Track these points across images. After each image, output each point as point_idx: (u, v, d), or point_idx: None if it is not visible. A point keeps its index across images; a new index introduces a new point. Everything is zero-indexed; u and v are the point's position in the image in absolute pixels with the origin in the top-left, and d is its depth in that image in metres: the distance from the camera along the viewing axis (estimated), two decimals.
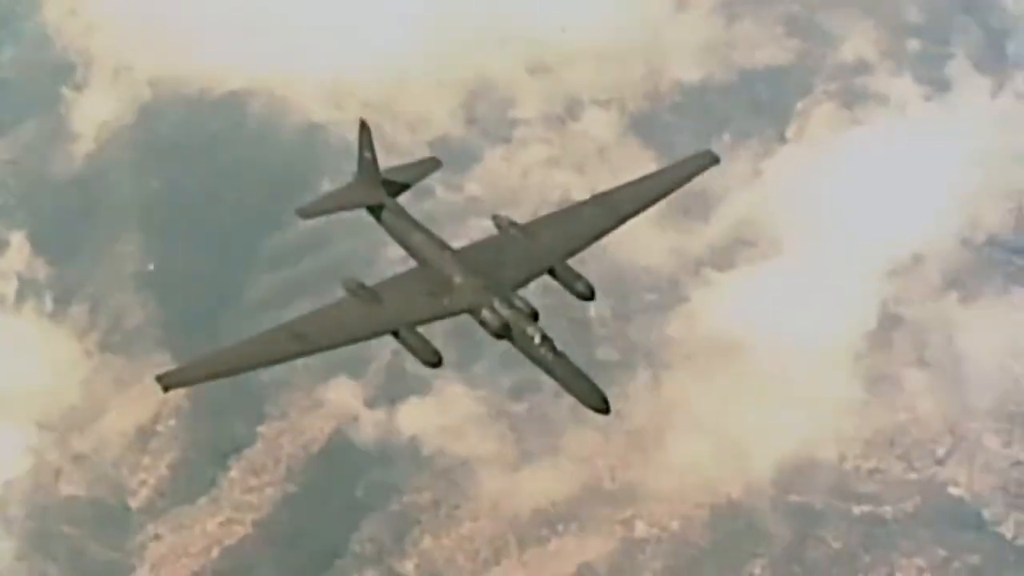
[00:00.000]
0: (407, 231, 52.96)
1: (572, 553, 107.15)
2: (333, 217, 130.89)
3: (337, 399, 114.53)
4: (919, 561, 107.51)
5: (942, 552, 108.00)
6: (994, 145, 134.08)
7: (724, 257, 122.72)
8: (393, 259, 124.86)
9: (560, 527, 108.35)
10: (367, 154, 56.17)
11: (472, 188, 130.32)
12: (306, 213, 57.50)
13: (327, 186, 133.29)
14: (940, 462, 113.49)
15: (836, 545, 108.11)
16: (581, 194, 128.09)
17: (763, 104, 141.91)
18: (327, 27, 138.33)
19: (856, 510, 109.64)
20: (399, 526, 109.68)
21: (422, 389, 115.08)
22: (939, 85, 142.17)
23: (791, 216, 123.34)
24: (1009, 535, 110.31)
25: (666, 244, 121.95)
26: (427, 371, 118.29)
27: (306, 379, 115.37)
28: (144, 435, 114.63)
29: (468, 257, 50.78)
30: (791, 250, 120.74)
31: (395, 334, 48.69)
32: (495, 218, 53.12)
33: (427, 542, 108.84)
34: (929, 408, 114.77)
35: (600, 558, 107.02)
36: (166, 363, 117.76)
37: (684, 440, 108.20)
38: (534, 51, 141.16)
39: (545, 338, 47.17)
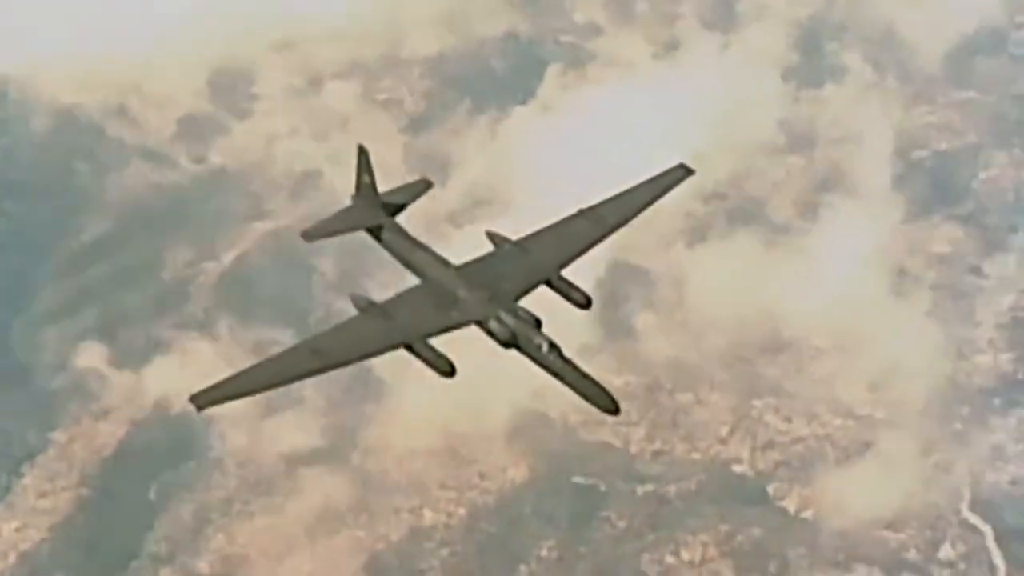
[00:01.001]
0: (408, 249, 55.89)
1: (362, 544, 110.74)
2: (119, 222, 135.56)
3: (86, 363, 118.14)
4: (703, 537, 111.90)
5: (726, 527, 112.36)
6: (721, 99, 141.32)
7: (461, 217, 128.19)
8: (180, 263, 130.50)
9: (350, 519, 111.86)
10: (366, 178, 58.76)
11: (216, 159, 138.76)
12: (310, 236, 58.30)
13: (80, 167, 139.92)
14: (723, 441, 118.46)
15: (621, 524, 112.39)
16: (320, 163, 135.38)
17: (499, 70, 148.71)
18: (74, 10, 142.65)
19: (640, 490, 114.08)
20: (193, 525, 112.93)
21: (166, 349, 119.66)
22: (668, 44, 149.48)
23: (525, 175, 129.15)
24: (793, 509, 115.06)
25: (410, 208, 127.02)
26: (171, 331, 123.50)
27: (58, 342, 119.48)
28: None
29: (469, 272, 53.56)
30: (524, 206, 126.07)
31: (408, 347, 51.08)
32: (490, 235, 55.68)
33: (220, 539, 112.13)
34: (660, 350, 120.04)
35: (389, 548, 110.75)
36: None
37: (423, 391, 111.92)
38: (276, 29, 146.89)
39: (552, 345, 49.98)
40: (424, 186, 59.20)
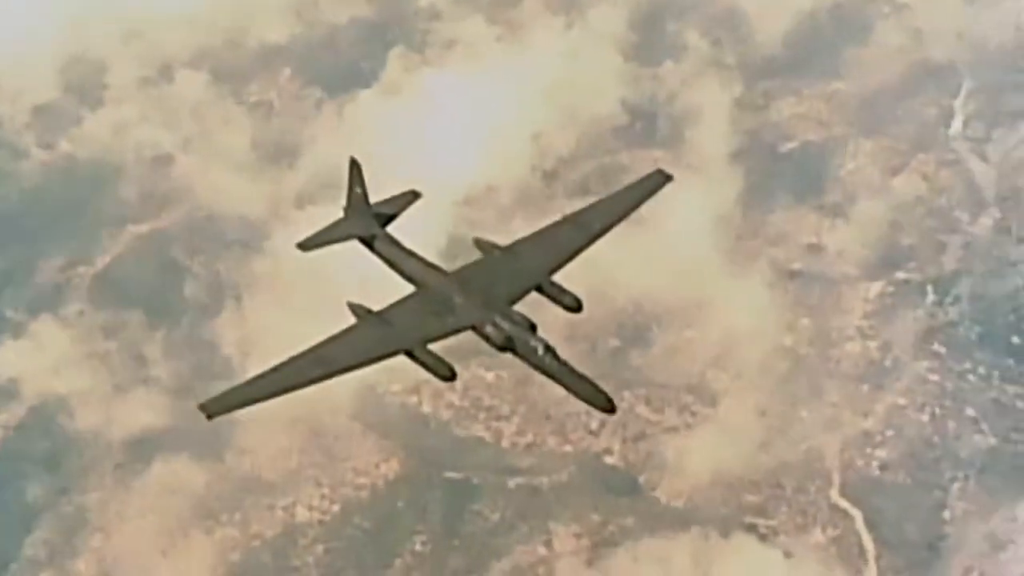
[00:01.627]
0: (401, 258, 58.35)
1: (238, 542, 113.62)
2: None
3: None
4: (576, 528, 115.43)
5: (597, 517, 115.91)
6: (562, 78, 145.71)
7: (307, 198, 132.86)
8: (53, 268, 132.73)
9: (224, 518, 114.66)
10: (358, 190, 62.06)
11: (66, 147, 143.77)
12: (306, 247, 61.75)
13: None
14: (594, 433, 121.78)
15: (494, 517, 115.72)
16: (172, 150, 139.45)
17: (346, 55, 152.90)
18: None
19: (512, 483, 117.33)
20: (70, 527, 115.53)
21: (17, 331, 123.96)
22: (511, 26, 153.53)
23: (370, 156, 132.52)
24: (664, 498, 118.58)
25: (259, 192, 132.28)
26: (22, 315, 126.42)
27: None
28: None
29: (462, 279, 55.95)
30: (369, 187, 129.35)
31: (409, 353, 53.47)
32: (478, 242, 58.44)
33: (97, 540, 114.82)
34: None
35: (264, 546, 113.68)
36: None
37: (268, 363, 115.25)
38: (127, 19, 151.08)
39: (548, 348, 52.56)
40: (412, 197, 62.30)
